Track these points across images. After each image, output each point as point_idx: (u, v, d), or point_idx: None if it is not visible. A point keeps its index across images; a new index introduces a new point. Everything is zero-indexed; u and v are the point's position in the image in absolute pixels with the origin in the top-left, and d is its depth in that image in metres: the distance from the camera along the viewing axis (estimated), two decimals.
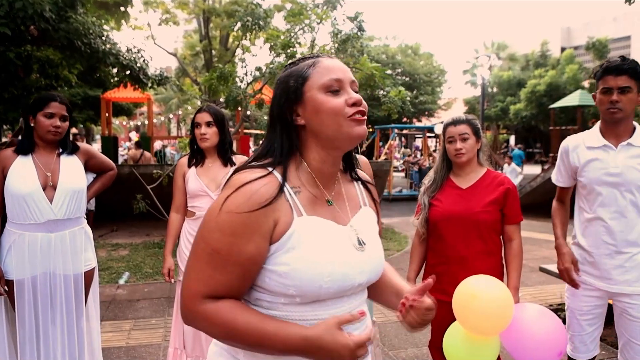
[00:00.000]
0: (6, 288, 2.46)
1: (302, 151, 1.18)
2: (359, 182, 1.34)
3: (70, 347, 2.58)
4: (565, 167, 2.50)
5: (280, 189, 1.10)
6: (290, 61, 1.26)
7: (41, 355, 2.52)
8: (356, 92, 1.18)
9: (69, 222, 2.56)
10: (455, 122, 2.47)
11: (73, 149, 2.65)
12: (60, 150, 2.60)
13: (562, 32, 38.89)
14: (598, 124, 2.43)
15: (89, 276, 2.68)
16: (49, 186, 2.48)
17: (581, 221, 2.46)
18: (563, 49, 33.44)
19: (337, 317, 1.05)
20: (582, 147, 2.41)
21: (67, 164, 2.59)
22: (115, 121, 27.91)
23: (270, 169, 1.12)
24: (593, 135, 2.41)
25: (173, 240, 2.87)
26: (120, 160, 14.49)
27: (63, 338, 2.56)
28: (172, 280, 2.85)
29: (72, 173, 2.59)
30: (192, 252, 1.11)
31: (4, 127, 18.98)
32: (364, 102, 1.17)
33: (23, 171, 2.45)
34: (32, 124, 2.51)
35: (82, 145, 2.75)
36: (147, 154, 11.40)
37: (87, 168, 2.74)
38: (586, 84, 25.02)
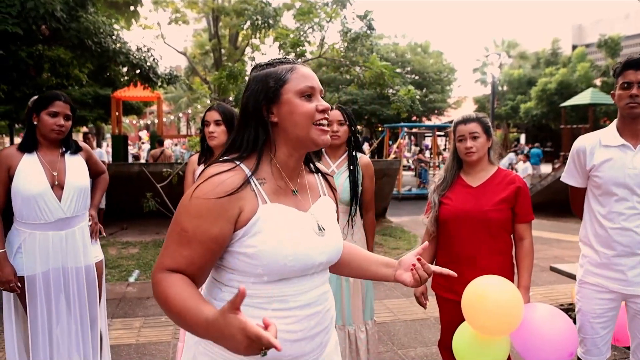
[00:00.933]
0: (19, 285, 2.47)
1: (271, 146, 1.31)
2: (319, 173, 1.48)
3: (85, 337, 2.64)
4: (579, 167, 2.43)
5: (247, 180, 1.23)
6: (266, 61, 1.36)
7: (54, 350, 2.55)
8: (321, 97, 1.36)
9: (77, 219, 2.62)
10: (465, 121, 2.45)
11: (77, 149, 2.69)
12: (64, 149, 2.62)
13: (573, 29, 38.55)
14: (615, 122, 2.38)
15: (99, 268, 2.76)
16: (56, 185, 2.51)
17: (593, 222, 2.40)
18: (574, 47, 33.12)
19: (230, 301, 0.99)
20: (597, 145, 2.36)
21: (72, 163, 2.63)
22: (126, 120, 28.12)
23: (237, 162, 1.26)
24: (609, 133, 2.35)
25: None
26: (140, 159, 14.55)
27: (77, 329, 2.61)
28: None
29: (78, 171, 2.64)
30: (167, 232, 1.24)
31: (16, 125, 19.22)
32: (329, 111, 1.36)
33: (31, 171, 2.46)
34: (36, 122, 2.51)
35: (83, 144, 2.79)
36: (167, 151, 11.46)
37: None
38: (598, 82, 24.76)
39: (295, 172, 1.37)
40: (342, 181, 2.75)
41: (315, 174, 1.47)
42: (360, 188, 2.79)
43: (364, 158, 2.87)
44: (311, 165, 1.46)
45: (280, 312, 1.25)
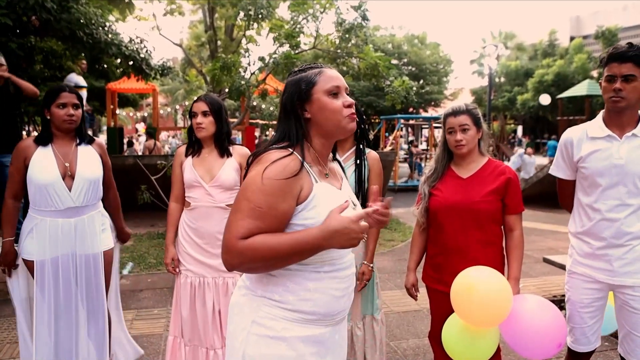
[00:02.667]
0: (18, 264, 2.64)
1: (308, 138, 1.55)
2: (337, 161, 1.75)
3: (94, 325, 2.71)
4: (567, 159, 2.43)
5: (302, 164, 1.46)
6: (298, 68, 1.62)
7: (59, 336, 2.63)
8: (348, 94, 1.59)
9: (86, 208, 2.68)
10: (455, 113, 2.42)
11: (90, 140, 2.77)
12: (78, 141, 2.71)
13: (571, 21, 38.47)
14: (601, 114, 2.37)
15: (108, 256, 2.80)
16: (68, 176, 2.60)
17: (581, 213, 2.40)
18: (572, 38, 33.07)
19: (333, 209, 1.44)
20: (584, 137, 2.35)
21: (84, 155, 2.70)
22: (122, 112, 27.97)
23: (290, 150, 1.48)
24: (596, 125, 2.35)
25: (174, 229, 2.87)
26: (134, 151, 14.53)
27: (86, 317, 2.68)
28: (178, 270, 2.83)
29: (89, 163, 2.69)
30: (235, 210, 1.44)
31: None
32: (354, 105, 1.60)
33: (44, 161, 2.58)
34: (48, 117, 2.63)
35: (98, 140, 2.85)
36: (158, 144, 11.46)
37: None
38: (595, 73, 24.77)
39: (326, 159, 1.62)
40: (348, 175, 2.66)
41: (335, 162, 1.72)
42: (366, 184, 2.71)
43: (372, 153, 2.78)
44: (332, 154, 1.69)
45: (330, 273, 1.51)
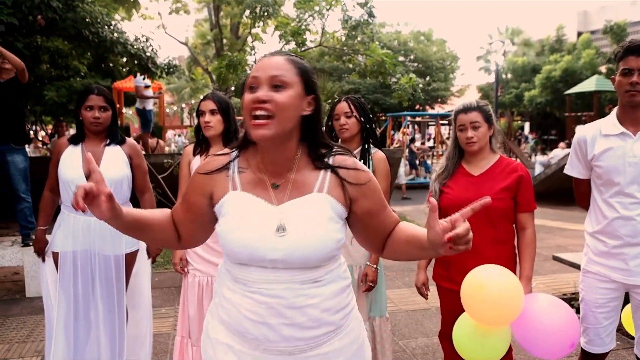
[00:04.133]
0: (44, 258, 2.77)
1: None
2: (329, 169, 1.35)
3: (111, 326, 2.73)
4: (581, 157, 2.38)
5: (225, 167, 1.35)
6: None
7: (79, 331, 2.69)
8: (278, 85, 1.24)
9: None
10: (466, 109, 2.38)
11: (120, 141, 2.80)
12: (108, 141, 2.76)
13: (578, 16, 38.19)
14: (615, 110, 2.32)
15: (131, 257, 2.82)
16: None
17: (597, 211, 2.36)
18: (579, 34, 32.82)
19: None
20: (598, 135, 2.30)
21: (110, 155, 2.73)
22: (129, 111, 28.05)
23: (232, 151, 1.39)
24: (609, 122, 2.30)
25: None
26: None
27: (104, 317, 2.72)
28: (186, 270, 2.80)
29: (112, 163, 2.71)
30: None
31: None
32: (270, 100, 1.23)
33: (71, 159, 2.68)
34: (81, 118, 2.71)
35: (130, 140, 2.87)
36: (161, 142, 11.48)
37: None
38: (603, 69, 24.52)
39: (283, 167, 1.34)
40: None
41: (322, 170, 1.35)
42: None
43: (378, 153, 2.67)
44: (319, 161, 1.35)
45: (244, 292, 1.32)
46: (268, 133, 1.23)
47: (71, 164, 2.66)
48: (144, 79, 8.69)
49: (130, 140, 2.88)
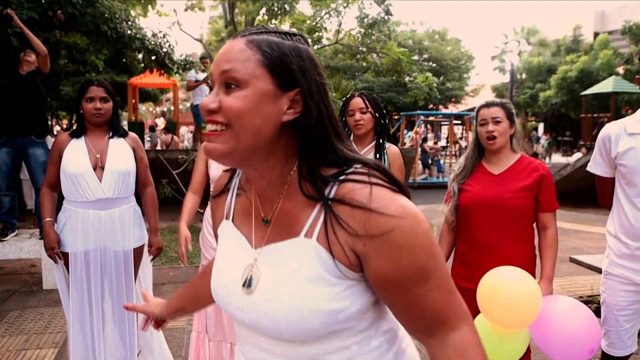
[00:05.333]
0: (60, 255, 2.67)
1: None
2: (327, 203, 0.86)
3: (121, 321, 2.73)
4: (605, 155, 2.34)
5: (226, 187, 1.07)
6: None
7: (94, 328, 2.68)
8: (231, 83, 0.85)
9: (118, 201, 2.70)
10: (488, 105, 2.38)
11: (123, 134, 2.79)
12: (111, 134, 2.75)
13: (595, 15, 37.65)
14: None
15: (138, 252, 2.82)
16: (99, 167, 2.65)
17: (620, 212, 2.32)
18: (596, 34, 32.37)
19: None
20: (623, 133, 2.26)
21: (115, 147, 2.72)
22: (142, 107, 28.23)
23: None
24: (634, 120, 2.26)
25: (188, 214, 2.80)
26: (147, 145, 14.70)
27: (114, 312, 2.73)
28: (187, 264, 2.83)
29: (119, 155, 2.71)
30: None
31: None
32: (218, 109, 0.85)
33: (76, 153, 2.65)
34: (82, 111, 2.70)
35: (132, 134, 2.87)
36: (176, 138, 11.58)
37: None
38: (621, 70, 24.18)
39: (272, 192, 0.93)
40: None
41: (320, 204, 0.88)
42: None
43: (392, 148, 2.68)
44: (313, 188, 0.88)
45: (238, 345, 1.05)
46: (219, 148, 0.85)
47: (76, 157, 2.63)
48: (196, 72, 8.73)
49: (132, 133, 2.87)
